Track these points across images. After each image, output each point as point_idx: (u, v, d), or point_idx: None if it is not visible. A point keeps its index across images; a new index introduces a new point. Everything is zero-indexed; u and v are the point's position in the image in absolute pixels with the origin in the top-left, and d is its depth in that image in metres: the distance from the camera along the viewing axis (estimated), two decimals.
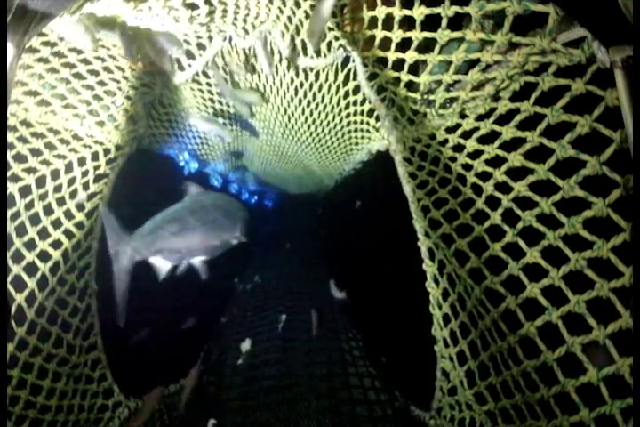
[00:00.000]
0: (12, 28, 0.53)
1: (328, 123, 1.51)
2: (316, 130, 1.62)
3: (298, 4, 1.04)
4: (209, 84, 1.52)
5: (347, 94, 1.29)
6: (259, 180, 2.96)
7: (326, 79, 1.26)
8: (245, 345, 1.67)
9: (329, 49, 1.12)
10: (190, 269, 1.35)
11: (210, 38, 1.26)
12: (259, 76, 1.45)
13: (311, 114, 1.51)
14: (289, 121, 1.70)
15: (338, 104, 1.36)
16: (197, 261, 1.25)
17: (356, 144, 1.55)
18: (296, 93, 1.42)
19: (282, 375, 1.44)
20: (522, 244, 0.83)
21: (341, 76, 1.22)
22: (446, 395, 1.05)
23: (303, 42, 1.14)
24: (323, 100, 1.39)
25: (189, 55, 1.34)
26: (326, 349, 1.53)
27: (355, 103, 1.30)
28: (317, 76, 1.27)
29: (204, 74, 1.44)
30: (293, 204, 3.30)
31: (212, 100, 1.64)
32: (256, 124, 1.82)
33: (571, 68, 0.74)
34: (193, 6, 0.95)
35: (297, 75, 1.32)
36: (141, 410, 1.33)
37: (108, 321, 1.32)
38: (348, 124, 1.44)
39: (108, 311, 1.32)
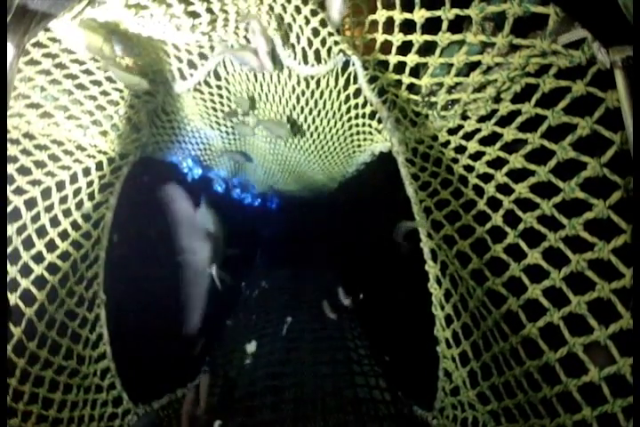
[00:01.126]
0: (12, 28, 0.53)
1: (330, 129, 1.51)
2: (318, 137, 1.62)
3: (298, 10, 1.03)
4: (211, 94, 1.51)
5: (348, 98, 1.28)
6: (262, 187, 2.97)
7: (327, 85, 1.25)
8: (251, 347, 1.69)
9: (329, 55, 1.11)
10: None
11: (212, 48, 1.25)
12: (261, 86, 1.43)
13: (313, 121, 1.50)
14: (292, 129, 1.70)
15: (339, 109, 1.35)
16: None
17: (359, 146, 1.55)
18: (298, 102, 1.41)
19: (287, 375, 1.45)
20: (523, 245, 0.84)
21: (342, 81, 1.21)
22: (449, 395, 1.06)
23: (304, 50, 1.13)
24: (325, 107, 1.38)
25: (191, 65, 1.33)
26: (332, 348, 1.54)
27: (356, 107, 1.29)
28: (318, 83, 1.26)
29: (206, 83, 1.42)
30: (297, 206, 3.31)
31: (214, 109, 1.62)
32: (259, 133, 1.82)
33: (571, 69, 0.74)
34: (195, 15, 0.94)
35: (298, 83, 1.31)
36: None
37: (116, 329, 1.34)
38: (350, 127, 1.43)
39: (117, 320, 1.34)
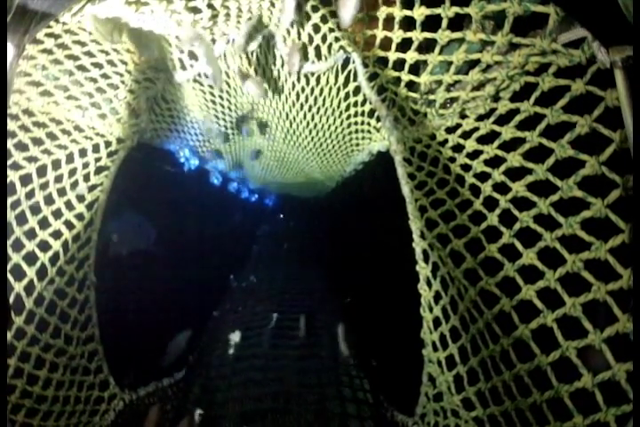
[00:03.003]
0: (12, 28, 0.54)
1: (329, 126, 1.50)
2: (317, 134, 1.62)
3: (299, 7, 1.05)
4: (210, 86, 1.51)
5: (347, 96, 1.28)
6: (259, 184, 2.98)
7: (327, 82, 1.25)
8: (235, 337, 1.67)
9: (329, 51, 1.12)
10: (186, 265, 1.38)
11: (213, 41, 1.26)
12: None
13: (312, 119, 1.50)
14: (290, 126, 1.70)
15: (338, 107, 1.35)
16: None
17: (357, 145, 1.54)
18: (297, 99, 1.41)
19: (270, 369, 1.44)
20: (518, 245, 0.82)
21: (341, 79, 1.21)
22: (431, 401, 1.02)
23: (305, 46, 1.14)
24: (324, 104, 1.38)
25: (192, 55, 1.34)
26: (317, 346, 1.53)
27: (355, 104, 1.29)
28: (318, 80, 1.26)
29: (207, 75, 1.39)
30: (293, 204, 3.32)
31: (213, 102, 1.63)
32: (257, 129, 1.83)
33: (571, 68, 0.74)
34: (195, 10, 0.94)
35: (298, 80, 1.31)
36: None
37: (106, 313, 1.32)
38: (349, 125, 1.43)
39: (107, 304, 1.33)
